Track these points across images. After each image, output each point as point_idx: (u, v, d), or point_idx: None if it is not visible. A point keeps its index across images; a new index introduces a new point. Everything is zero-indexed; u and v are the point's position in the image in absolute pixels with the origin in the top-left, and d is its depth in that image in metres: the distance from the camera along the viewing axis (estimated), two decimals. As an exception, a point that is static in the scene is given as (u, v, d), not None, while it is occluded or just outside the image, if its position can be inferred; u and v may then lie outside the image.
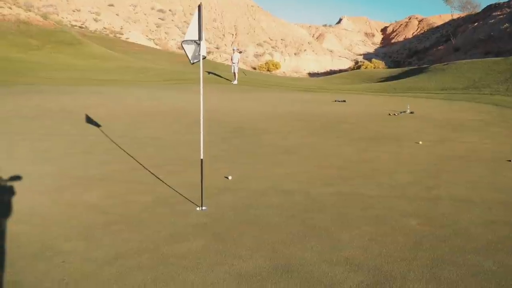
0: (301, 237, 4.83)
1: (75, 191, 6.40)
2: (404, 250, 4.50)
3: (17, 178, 6.53)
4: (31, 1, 47.29)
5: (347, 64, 56.95)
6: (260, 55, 56.80)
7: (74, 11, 61.74)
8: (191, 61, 5.86)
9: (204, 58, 5.77)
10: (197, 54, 5.73)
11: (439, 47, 61.95)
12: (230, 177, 4.36)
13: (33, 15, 34.50)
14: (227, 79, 24.54)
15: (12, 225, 5.06)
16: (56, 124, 11.02)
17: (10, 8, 33.08)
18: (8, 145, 8.92)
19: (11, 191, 6.10)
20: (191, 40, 5.62)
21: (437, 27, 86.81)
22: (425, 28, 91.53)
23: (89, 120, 10.68)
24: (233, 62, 24.15)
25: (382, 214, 5.54)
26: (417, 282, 3.84)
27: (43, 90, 16.83)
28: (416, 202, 6.03)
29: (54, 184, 6.67)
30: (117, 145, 9.07)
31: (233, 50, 26.45)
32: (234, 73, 24.11)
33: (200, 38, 5.54)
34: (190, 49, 5.73)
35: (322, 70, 53.61)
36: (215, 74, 25.49)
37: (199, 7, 5.45)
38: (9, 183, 6.41)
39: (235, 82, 23.93)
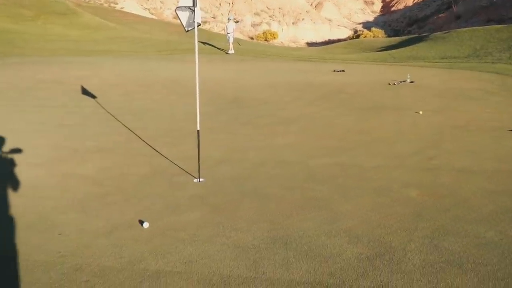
0: (300, 208, 4.76)
1: (70, 163, 6.30)
2: (404, 221, 4.44)
3: (12, 150, 6.41)
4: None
5: (346, 33, 56.07)
6: (257, 25, 55.81)
7: (67, -20, 60.15)
8: (186, 29, 5.65)
9: (199, 25, 5.56)
10: (191, 21, 5.52)
11: (440, 15, 60.88)
12: (145, 225, 3.97)
13: (25, -16, 33.54)
14: (224, 50, 24.04)
15: (7, 197, 4.98)
16: (50, 96, 10.82)
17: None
18: (2, 117, 8.76)
19: (6, 164, 6.00)
20: (186, 7, 5.40)
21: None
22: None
23: (83, 91, 10.48)
24: (228, 32, 23.39)
25: (382, 185, 5.46)
26: (417, 253, 3.79)
27: (36, 61, 16.51)
28: (416, 172, 5.96)
29: (49, 156, 6.57)
30: (112, 116, 8.92)
31: (228, 19, 25.09)
32: (230, 43, 23.36)
33: (194, 4, 5.32)
34: (184, 16, 5.52)
35: (321, 40, 52.80)
36: (210, 45, 25.02)
37: (194, -29, 5.22)
38: (4, 156, 6.30)
39: (231, 51, 23.19)
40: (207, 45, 24.82)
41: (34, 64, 15.52)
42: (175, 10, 5.60)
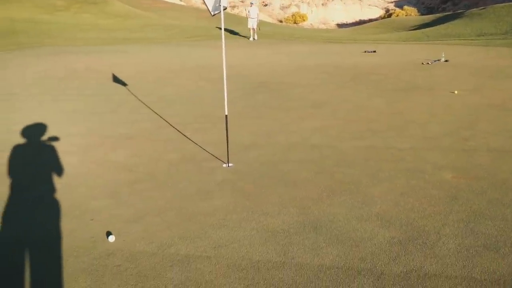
0: (330, 192, 4.69)
1: (102, 150, 6.43)
2: (439, 204, 4.31)
3: (46, 138, 6.59)
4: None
5: (377, 12, 54.58)
6: (286, 7, 55.03)
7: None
8: (212, 13, 5.59)
9: (225, 9, 5.49)
10: (217, 5, 5.46)
11: (476, -9, 58.32)
12: (111, 238, 3.75)
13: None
14: (247, 36, 23.05)
15: (42, 183, 5.13)
16: (83, 84, 11.05)
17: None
18: (37, 105, 9.01)
19: (41, 151, 6.17)
20: (211, -10, 5.34)
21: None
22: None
23: (115, 79, 10.64)
24: (252, 17, 21.67)
25: (415, 167, 5.31)
26: (452, 238, 3.67)
27: (69, 51, 16.88)
28: (450, 154, 5.76)
29: (82, 143, 6.72)
30: (143, 103, 9.02)
31: (251, 3, 22.90)
32: (253, 28, 21.89)
33: (220, -13, 5.26)
34: (210, 0, 5.46)
35: (351, 20, 51.62)
36: (233, 32, 24.76)
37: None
38: (39, 143, 6.49)
39: (253, 38, 21.82)
40: (235, 30, 24.67)
41: (68, 54, 15.88)
42: (201, -6, 5.55)
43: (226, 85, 5.73)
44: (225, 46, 5.74)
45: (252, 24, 21.75)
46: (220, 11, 5.47)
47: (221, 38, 5.59)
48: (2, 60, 14.89)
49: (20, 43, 19.16)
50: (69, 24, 24.89)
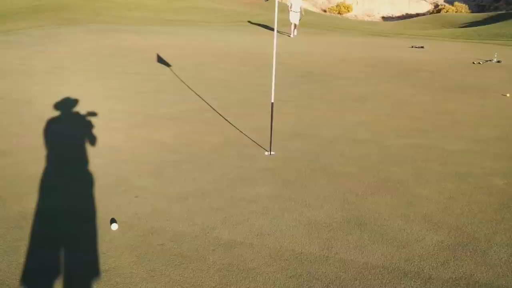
0: (375, 189, 4.58)
1: (147, 129, 6.51)
2: (489, 211, 4.13)
3: (92, 114, 6.73)
4: None
5: (425, 7, 52.79)
6: (332, -3, 54.03)
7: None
8: (266, -2, 5.51)
9: (279, -6, 5.39)
10: (272, -10, 5.36)
11: (533, -10, 55.45)
12: (114, 226, 3.60)
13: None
14: (287, 33, 18.94)
15: (88, 158, 5.25)
16: (129, 63, 11.22)
17: None
18: (84, 82, 9.22)
19: (87, 127, 6.31)
20: (267, -25, 5.24)
21: (533, -34, 77.36)
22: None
23: (160, 59, 10.75)
24: (294, 10, 18.39)
25: (464, 170, 5.11)
26: (504, 247, 3.51)
27: (116, 29, 17.18)
28: (502, 159, 5.51)
29: (126, 121, 6.83)
30: (186, 85, 9.08)
31: None
32: (294, 24, 18.63)
33: (276, -28, 5.14)
34: (265, -15, 5.37)
35: (398, 14, 50.17)
36: (276, 31, 24.46)
37: None
38: (85, 119, 6.64)
39: (294, 35, 18.73)
40: (279, 18, 24.38)
41: (115, 32, 16.16)
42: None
43: (274, 72, 5.66)
44: (276, 34, 5.64)
45: (294, 18, 18.56)
46: (275, -3, 5.37)
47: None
48: (53, 35, 15.32)
49: (69, 18, 19.64)
50: (118, 2, 25.31)
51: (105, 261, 3.28)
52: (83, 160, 5.21)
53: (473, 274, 3.14)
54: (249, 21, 22.95)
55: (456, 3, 47.54)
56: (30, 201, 4.19)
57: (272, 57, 5.63)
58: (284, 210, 4.10)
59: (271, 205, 4.20)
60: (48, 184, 4.61)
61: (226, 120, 6.97)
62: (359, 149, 5.80)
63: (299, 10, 18.45)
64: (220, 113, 7.29)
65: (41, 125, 6.28)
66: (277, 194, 4.44)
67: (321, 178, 4.85)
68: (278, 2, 5.36)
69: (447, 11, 42.52)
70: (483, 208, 4.19)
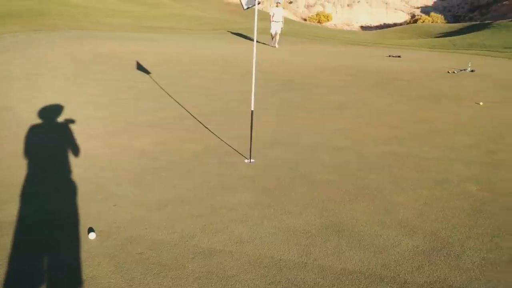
0: (353, 196, 4.66)
1: (126, 136, 6.47)
2: (463, 216, 4.24)
3: (71, 121, 6.65)
4: None
5: (402, 17, 53.88)
6: (311, 6, 54.67)
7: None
8: (244, 7, 5.57)
9: (258, 3, 5.47)
10: (251, -1, 5.43)
11: (504, 2, 57.22)
12: (92, 235, 3.69)
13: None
14: (266, 43, 18.47)
15: (66, 166, 5.18)
16: (108, 70, 11.13)
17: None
18: (63, 88, 9.10)
19: (65, 134, 6.24)
20: (246, -16, 5.31)
21: (505, -21, 79.81)
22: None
23: (140, 67, 10.70)
24: (275, 20, 18.02)
25: (439, 177, 5.24)
26: (476, 251, 3.62)
27: (95, 35, 17.01)
28: (476, 166, 5.67)
29: (105, 128, 6.78)
30: (166, 92, 9.06)
31: (277, 3, 18.70)
32: (275, 33, 18.20)
33: (255, -18, 5.22)
34: (244, -6, 5.43)
35: (376, 24, 51.06)
36: (258, 42, 24.62)
37: None
38: (64, 126, 6.56)
39: (275, 45, 18.21)
40: (259, 26, 24.53)
41: (94, 38, 16.00)
42: (236, -12, 5.54)
43: (254, 81, 5.71)
44: (255, 42, 5.70)
45: (275, 29, 18.13)
46: (254, 5, 5.45)
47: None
48: (30, 40, 15.08)
49: (47, 24, 19.36)
50: (97, 8, 25.09)
51: (83, 271, 3.25)
52: (62, 167, 5.14)
53: (447, 278, 3.23)
54: (230, 29, 23.04)
55: (432, 13, 48.71)
56: (8, 209, 4.12)
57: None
58: (264, 218, 4.13)
59: (250, 212, 4.23)
60: (26, 191, 4.53)
61: (207, 128, 6.99)
62: (338, 157, 5.89)
63: (280, 20, 18.08)
64: (201, 121, 7.30)
65: (20, 132, 6.17)
66: (257, 202, 4.47)
67: (300, 186, 4.90)
68: (258, 10, 5.40)
69: (423, 21, 43.49)
70: (457, 213, 4.31)
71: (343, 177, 5.19)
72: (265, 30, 17.69)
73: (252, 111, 5.65)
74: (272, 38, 18.45)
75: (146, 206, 4.30)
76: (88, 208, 4.22)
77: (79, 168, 5.14)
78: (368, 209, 4.35)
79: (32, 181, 4.80)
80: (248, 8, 5.58)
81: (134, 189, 4.69)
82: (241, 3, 5.63)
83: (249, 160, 5.60)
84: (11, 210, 4.12)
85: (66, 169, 5.10)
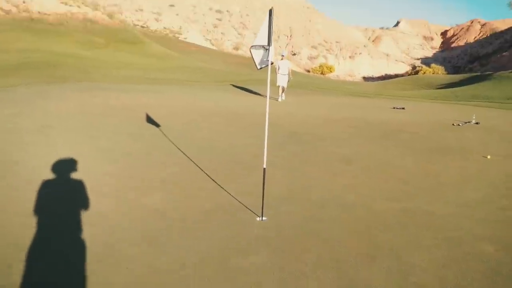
0: (367, 256, 4.59)
1: (136, 193, 6.46)
2: (483, 280, 4.16)
3: (81, 176, 6.67)
4: (96, 0, 49.22)
5: (403, 68, 55.16)
6: (314, 58, 56.24)
7: (137, 11, 64.02)
8: (258, 67, 5.76)
9: (272, 64, 5.65)
10: (265, 59, 5.63)
11: (503, 54, 58.69)
12: None
13: (99, 14, 35.98)
14: (274, 97, 17.78)
15: (76, 225, 5.16)
16: (118, 122, 11.30)
17: (79, 6, 34.66)
18: (73, 142, 9.21)
19: (75, 190, 6.24)
20: (260, 45, 5.52)
21: (501, 32, 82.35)
22: (488, 33, 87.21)
23: (149, 119, 10.88)
24: (282, 73, 17.52)
25: (454, 236, 5.18)
26: (499, 319, 3.52)
27: (105, 87, 17.42)
28: (489, 224, 5.62)
29: (116, 184, 6.78)
30: (175, 146, 9.15)
31: (282, 56, 18.56)
32: (282, 87, 17.78)
33: (269, 43, 5.43)
34: (258, 54, 5.64)
35: (377, 74, 52.26)
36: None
37: (270, 12, 5.34)
38: (74, 182, 6.57)
39: (281, 98, 17.85)
40: (262, 78, 25.15)
41: (104, 91, 16.37)
42: (250, 49, 5.74)
43: (267, 137, 5.78)
44: (266, 98, 5.83)
45: (281, 81, 17.61)
46: (268, 65, 5.62)
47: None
48: (42, 92, 15.43)
49: (58, 76, 19.90)
50: (106, 61, 25.85)
51: None
52: (71, 227, 5.11)
53: None
54: (235, 81, 23.59)
55: (432, 65, 49.90)
56: (15, 273, 4.06)
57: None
58: (279, 281, 4.05)
59: (264, 277, 4.15)
60: (34, 253, 4.49)
61: (216, 183, 6.99)
62: (348, 214, 5.85)
63: (287, 73, 17.56)
64: (210, 176, 7.32)
65: (29, 188, 6.19)
66: (271, 264, 4.40)
67: (313, 245, 4.85)
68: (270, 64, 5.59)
69: (424, 72, 44.45)
70: (478, 277, 4.22)
71: (356, 235, 5.14)
72: (271, 82, 18.03)
73: (264, 168, 5.67)
74: (280, 92, 18.00)
75: (159, 269, 4.24)
76: (101, 271, 4.16)
77: (91, 228, 5.10)
78: (383, 271, 4.28)
79: (40, 242, 4.75)
80: (261, 68, 5.76)
81: (147, 251, 4.63)
82: (254, 63, 5.82)
83: (261, 218, 5.56)
84: (19, 272, 4.06)
85: (76, 228, 5.07)
